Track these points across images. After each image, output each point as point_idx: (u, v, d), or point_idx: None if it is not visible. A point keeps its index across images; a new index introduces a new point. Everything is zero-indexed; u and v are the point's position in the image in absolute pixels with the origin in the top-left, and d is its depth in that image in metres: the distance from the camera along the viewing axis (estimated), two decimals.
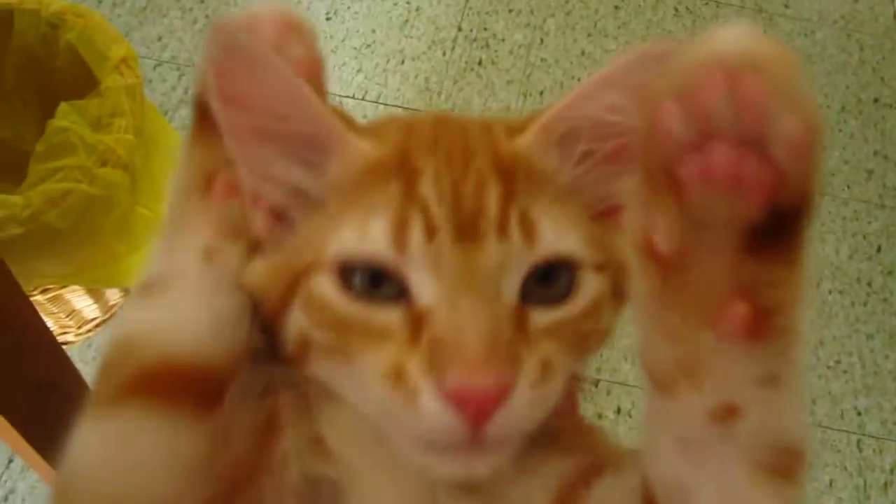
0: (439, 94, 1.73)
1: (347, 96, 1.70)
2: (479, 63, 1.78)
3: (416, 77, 1.75)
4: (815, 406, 1.46)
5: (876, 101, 1.88)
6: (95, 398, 0.31)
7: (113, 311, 1.39)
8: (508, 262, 0.30)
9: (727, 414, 0.27)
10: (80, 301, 1.30)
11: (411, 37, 1.81)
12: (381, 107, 1.69)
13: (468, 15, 1.87)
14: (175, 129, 1.34)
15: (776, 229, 0.25)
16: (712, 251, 0.26)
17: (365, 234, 0.30)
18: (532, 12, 1.90)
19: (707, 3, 1.98)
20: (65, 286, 1.23)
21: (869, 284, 1.61)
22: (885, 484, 1.39)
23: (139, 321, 0.33)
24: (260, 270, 0.34)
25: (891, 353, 1.54)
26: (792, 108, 0.24)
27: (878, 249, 1.66)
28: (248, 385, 0.33)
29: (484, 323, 0.28)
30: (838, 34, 1.99)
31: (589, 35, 1.88)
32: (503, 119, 0.36)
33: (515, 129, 0.33)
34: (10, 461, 1.28)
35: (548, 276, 0.31)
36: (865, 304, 1.59)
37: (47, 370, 0.88)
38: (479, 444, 0.29)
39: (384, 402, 0.29)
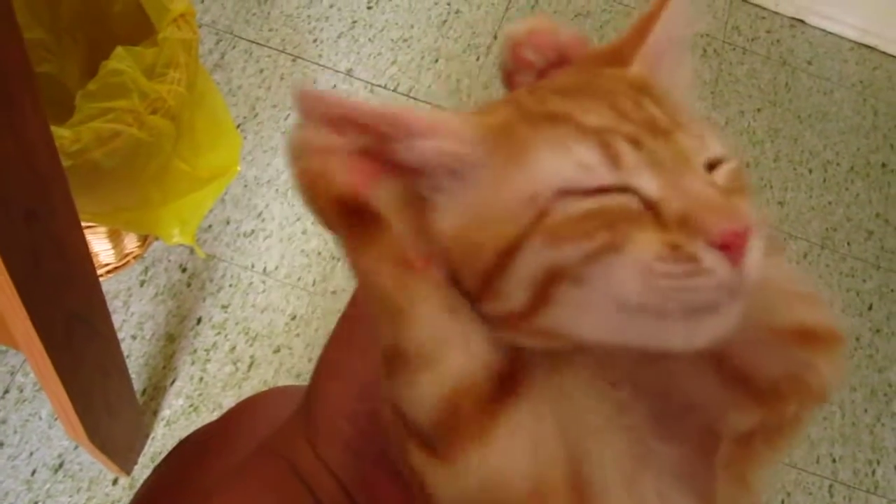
0: (468, 96, 1.76)
1: (379, 85, 1.73)
2: None
3: (447, 77, 1.78)
4: (792, 447, 1.50)
5: (884, 165, 1.94)
6: None
7: (126, 259, 1.40)
8: (698, 146, 0.33)
9: None
10: (100, 244, 1.31)
11: (448, 37, 1.84)
12: (411, 101, 1.72)
13: (506, 24, 1.90)
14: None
15: None
16: None
17: (580, 164, 0.31)
18: None
19: (734, 49, 2.04)
20: (89, 226, 1.25)
21: (857, 339, 1.66)
22: None
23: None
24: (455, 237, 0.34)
25: (870, 407, 1.59)
26: (559, 32, 0.38)
27: (870, 307, 1.72)
28: None
29: (710, 187, 0.31)
30: (855, 97, 2.05)
31: None
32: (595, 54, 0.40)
33: (615, 61, 0.38)
34: (6, 392, 1.29)
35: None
36: (852, 357, 1.64)
37: (83, 302, 0.90)
38: (738, 290, 0.31)
39: (664, 282, 0.31)
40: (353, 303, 0.44)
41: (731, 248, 0.30)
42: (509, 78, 0.39)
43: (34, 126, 0.69)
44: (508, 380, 0.34)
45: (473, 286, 0.34)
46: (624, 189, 0.31)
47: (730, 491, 0.35)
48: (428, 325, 0.33)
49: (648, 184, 0.32)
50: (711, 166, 0.33)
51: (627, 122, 0.32)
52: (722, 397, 0.34)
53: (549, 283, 0.32)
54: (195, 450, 0.52)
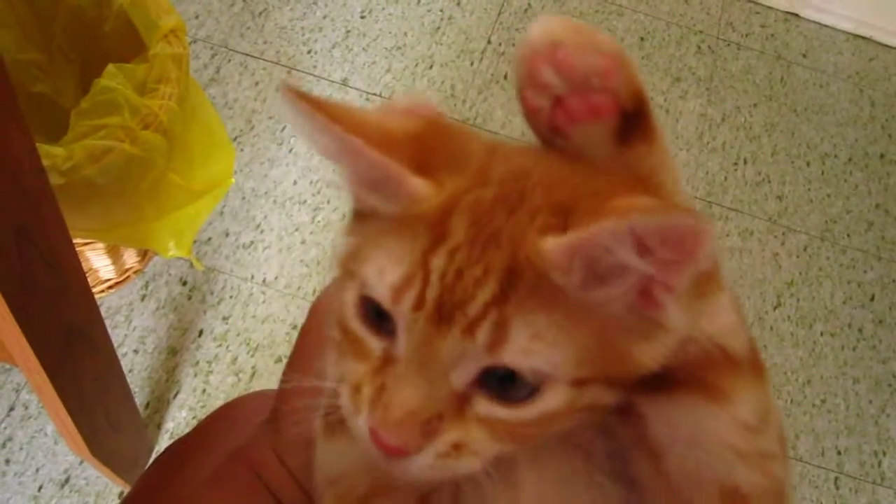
0: (464, 102, 1.77)
1: (374, 93, 1.74)
2: (505, 77, 1.82)
3: (442, 83, 1.79)
4: (797, 441, 1.50)
5: (882, 156, 1.94)
6: None
7: (127, 275, 1.41)
8: (463, 357, 0.31)
9: None
10: (99, 260, 1.33)
11: (441, 44, 1.85)
12: None
13: (498, 29, 1.91)
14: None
15: (632, 124, 0.33)
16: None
17: (381, 279, 0.33)
18: None
19: (728, 45, 2.04)
20: (88, 243, 1.26)
21: (860, 331, 1.66)
22: None
23: None
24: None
25: (874, 398, 1.58)
26: (591, 52, 0.32)
27: (872, 298, 1.71)
28: None
29: (415, 397, 0.32)
30: (852, 89, 2.05)
31: None
32: (562, 196, 0.34)
33: (555, 226, 0.32)
34: (11, 409, 1.30)
35: (511, 377, 0.32)
36: (855, 349, 1.63)
37: (79, 316, 0.91)
38: (398, 467, 0.33)
39: (345, 404, 0.34)
40: (314, 312, 0.45)
41: (376, 442, 0.33)
42: (521, 91, 0.34)
43: (20, 144, 0.70)
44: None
45: None
46: (390, 319, 0.33)
47: None
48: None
49: (402, 338, 0.33)
50: (490, 373, 0.32)
51: (445, 284, 0.32)
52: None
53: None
54: (175, 456, 0.53)
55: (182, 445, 0.54)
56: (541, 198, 0.32)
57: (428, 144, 0.34)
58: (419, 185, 0.33)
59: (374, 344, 0.34)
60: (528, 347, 0.31)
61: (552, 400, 0.32)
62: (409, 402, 0.32)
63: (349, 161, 0.34)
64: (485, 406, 0.32)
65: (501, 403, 0.32)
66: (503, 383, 0.32)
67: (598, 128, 0.33)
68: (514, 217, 0.32)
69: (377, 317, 0.34)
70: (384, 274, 0.33)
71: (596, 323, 0.32)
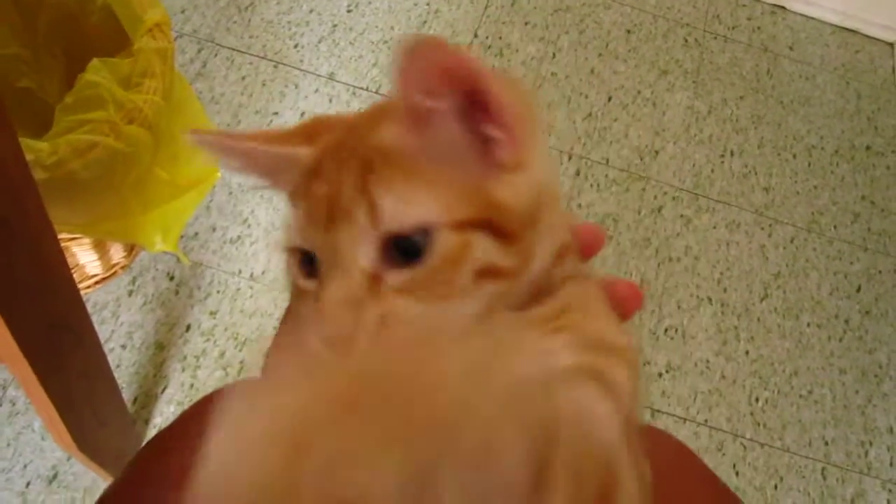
0: None
1: (362, 87, 1.74)
2: None
3: None
4: (784, 431, 1.51)
5: (868, 148, 1.95)
6: None
7: (114, 270, 1.41)
8: (356, 240, 0.37)
9: None
10: (86, 256, 1.32)
11: None
12: None
13: (485, 23, 1.91)
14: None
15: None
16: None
17: (294, 227, 0.39)
18: (547, 27, 1.95)
19: (715, 38, 2.04)
20: (74, 238, 1.25)
21: (846, 322, 1.67)
22: None
23: None
24: None
25: (861, 388, 1.59)
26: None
27: (858, 289, 1.72)
28: None
29: (338, 288, 0.37)
30: (838, 81, 2.05)
31: (600, 55, 1.93)
32: (384, 107, 0.41)
33: (382, 120, 0.39)
34: None
35: (409, 242, 0.37)
36: (841, 339, 1.64)
37: (64, 310, 0.91)
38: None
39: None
40: (289, 309, 0.46)
41: (325, 345, 0.36)
42: None
43: (2, 139, 0.70)
44: None
45: None
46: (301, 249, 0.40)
47: None
48: None
49: (317, 258, 0.39)
50: (389, 248, 0.37)
51: (325, 199, 0.38)
52: None
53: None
54: (158, 448, 0.53)
55: (165, 434, 0.54)
56: (364, 122, 0.39)
57: (314, 130, 0.42)
58: (304, 151, 0.40)
59: (311, 285, 0.39)
60: (397, 210, 0.36)
61: (443, 245, 0.36)
62: (334, 294, 0.36)
63: (255, 163, 0.42)
64: (394, 275, 0.37)
65: (407, 266, 0.37)
66: (405, 254, 0.36)
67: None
68: (353, 136, 0.39)
69: (308, 262, 0.40)
70: (294, 222, 0.39)
71: (450, 172, 0.37)
